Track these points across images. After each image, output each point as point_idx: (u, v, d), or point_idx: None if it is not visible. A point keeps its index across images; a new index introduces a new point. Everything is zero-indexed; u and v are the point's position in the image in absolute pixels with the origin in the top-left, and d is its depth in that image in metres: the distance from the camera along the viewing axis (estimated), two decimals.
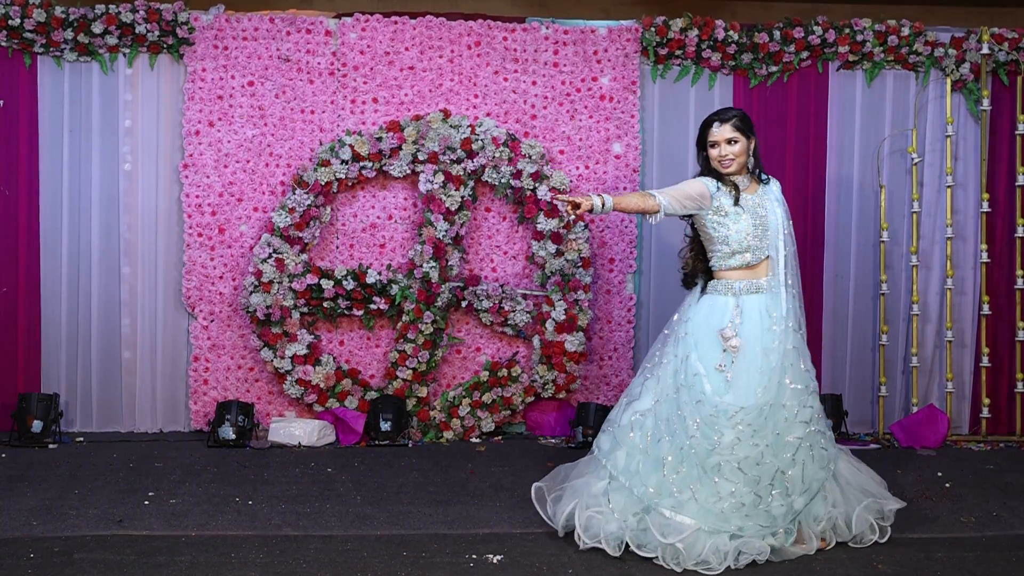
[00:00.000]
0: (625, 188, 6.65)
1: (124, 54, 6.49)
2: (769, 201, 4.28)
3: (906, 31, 6.71)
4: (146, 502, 4.77)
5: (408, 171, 6.49)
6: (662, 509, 4.01)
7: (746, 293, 4.19)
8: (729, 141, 4.24)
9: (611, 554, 3.99)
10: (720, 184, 4.25)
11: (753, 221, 4.23)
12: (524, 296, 6.55)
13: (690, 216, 4.33)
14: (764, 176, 4.35)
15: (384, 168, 6.48)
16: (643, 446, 4.14)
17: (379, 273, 6.47)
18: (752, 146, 4.29)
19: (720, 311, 4.19)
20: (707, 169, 4.31)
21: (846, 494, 4.21)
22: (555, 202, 4.53)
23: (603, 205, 4.10)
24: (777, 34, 6.66)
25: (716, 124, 4.25)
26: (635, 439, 4.17)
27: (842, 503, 4.19)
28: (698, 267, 4.37)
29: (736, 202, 4.22)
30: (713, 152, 4.26)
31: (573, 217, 4.10)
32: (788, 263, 4.21)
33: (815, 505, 4.14)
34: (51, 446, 6.09)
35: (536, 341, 6.52)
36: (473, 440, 6.50)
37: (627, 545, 4.02)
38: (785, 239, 4.23)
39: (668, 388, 4.18)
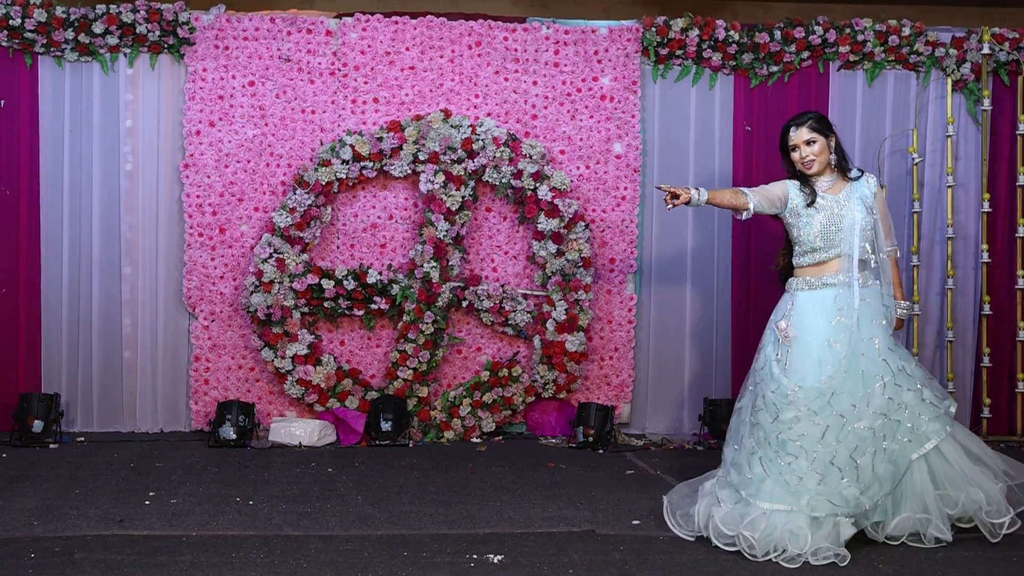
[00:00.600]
0: (626, 188, 6.65)
1: (125, 54, 6.49)
2: (853, 199, 4.37)
3: (907, 31, 6.71)
4: (147, 502, 4.77)
5: (409, 171, 6.49)
6: (746, 496, 4.10)
7: (807, 289, 4.34)
8: (808, 143, 4.38)
9: (723, 548, 4.03)
10: (802, 186, 4.41)
11: (824, 221, 4.35)
12: (525, 296, 6.55)
13: (777, 216, 4.51)
14: (855, 172, 4.46)
15: (385, 168, 6.49)
16: (737, 437, 4.33)
17: (380, 273, 6.47)
18: (833, 144, 4.41)
19: (783, 306, 4.41)
20: (793, 173, 4.46)
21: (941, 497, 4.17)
22: (658, 189, 4.72)
23: (699, 197, 4.32)
24: (778, 34, 6.66)
25: (793, 128, 4.41)
26: (731, 432, 4.40)
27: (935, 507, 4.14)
28: (787, 264, 4.54)
29: (810, 204, 4.37)
30: (795, 155, 4.41)
31: (670, 207, 4.36)
32: (859, 259, 4.30)
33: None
34: (52, 446, 6.09)
35: (537, 341, 6.52)
36: (474, 440, 6.50)
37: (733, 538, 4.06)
38: (862, 236, 4.32)
39: (751, 382, 4.42)
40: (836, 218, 4.35)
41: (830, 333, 4.22)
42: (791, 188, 4.41)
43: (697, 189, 4.33)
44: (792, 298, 4.36)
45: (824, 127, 4.41)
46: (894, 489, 4.14)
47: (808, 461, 4.06)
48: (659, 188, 4.42)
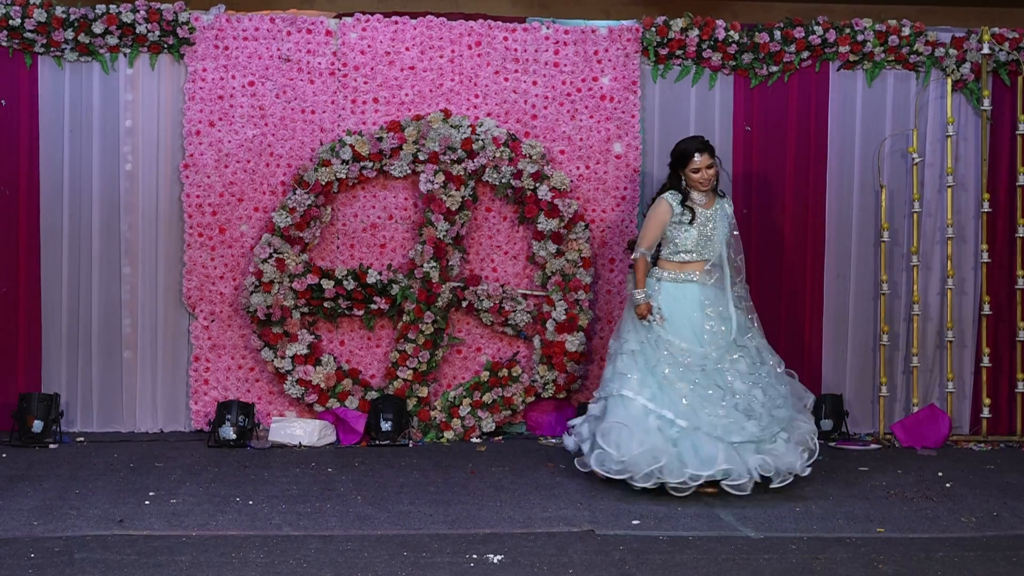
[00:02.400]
0: (626, 188, 6.65)
1: (125, 54, 6.49)
2: (719, 215, 5.34)
3: (907, 31, 6.71)
4: (147, 502, 4.77)
5: (409, 171, 6.49)
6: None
7: (672, 281, 5.31)
8: (708, 166, 5.30)
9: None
10: (683, 200, 5.32)
11: (699, 232, 5.29)
12: (524, 296, 6.55)
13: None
14: (721, 191, 5.46)
15: (385, 168, 6.49)
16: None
17: (379, 273, 6.47)
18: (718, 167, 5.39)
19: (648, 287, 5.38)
20: (674, 185, 5.36)
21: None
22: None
23: (644, 295, 5.28)
24: (778, 34, 6.66)
25: (698, 154, 5.28)
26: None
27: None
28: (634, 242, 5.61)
29: (691, 220, 5.29)
30: (696, 175, 5.29)
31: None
32: (725, 264, 5.32)
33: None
34: (52, 446, 6.09)
35: (536, 341, 6.52)
36: (474, 440, 6.50)
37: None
38: (727, 245, 5.32)
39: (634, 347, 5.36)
40: (708, 230, 5.31)
41: (703, 324, 5.16)
42: (672, 204, 5.31)
43: (640, 292, 5.26)
44: (658, 285, 5.29)
45: (714, 153, 5.37)
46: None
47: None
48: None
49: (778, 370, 5.29)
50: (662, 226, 5.33)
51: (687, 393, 5.02)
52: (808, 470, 5.10)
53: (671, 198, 5.33)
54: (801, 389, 5.41)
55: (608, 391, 5.20)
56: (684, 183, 5.34)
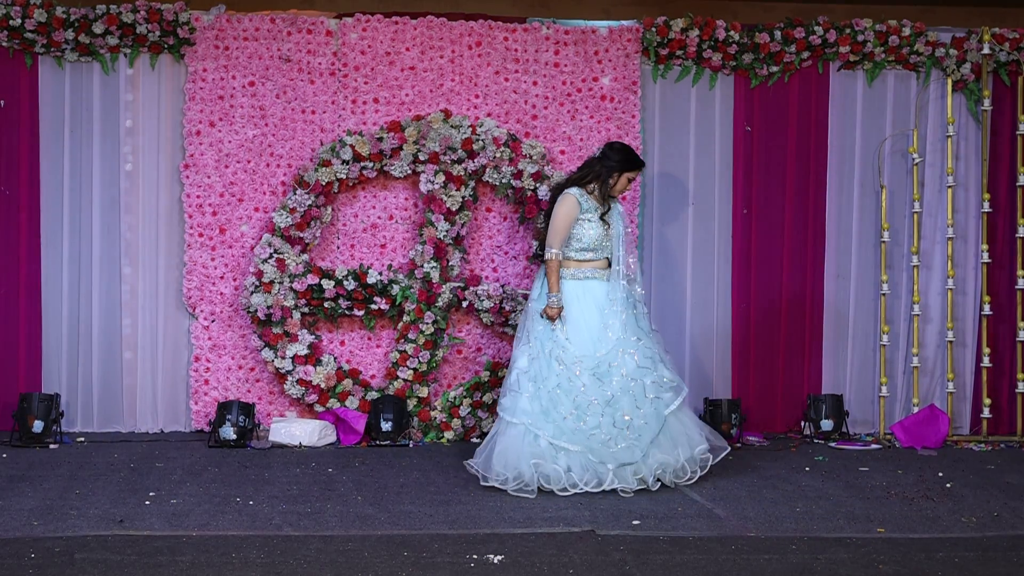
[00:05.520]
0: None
1: (125, 54, 6.49)
2: (616, 216, 5.44)
3: (907, 31, 6.71)
4: (147, 502, 4.77)
5: (409, 171, 6.49)
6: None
7: (572, 279, 5.37)
8: (630, 180, 5.45)
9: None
10: (589, 199, 5.37)
11: (601, 231, 5.36)
12: (525, 296, 6.54)
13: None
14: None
15: (385, 168, 6.49)
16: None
17: (380, 273, 6.47)
18: None
19: (542, 288, 5.46)
20: (583, 181, 5.40)
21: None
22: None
23: (557, 298, 5.31)
24: (778, 34, 6.66)
25: (636, 172, 5.44)
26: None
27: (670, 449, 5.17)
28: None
29: (602, 217, 5.38)
30: (629, 185, 5.47)
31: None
32: (624, 260, 5.38)
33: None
34: (52, 446, 6.09)
35: None
36: (474, 440, 6.49)
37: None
38: (623, 243, 5.38)
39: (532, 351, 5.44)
40: (612, 229, 5.39)
41: (603, 319, 5.24)
42: (580, 201, 5.35)
43: (553, 298, 5.28)
44: (564, 283, 5.33)
45: None
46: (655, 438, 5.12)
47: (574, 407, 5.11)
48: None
49: (664, 379, 5.28)
50: (569, 225, 5.33)
51: (572, 412, 5.08)
52: (703, 459, 5.23)
53: (580, 199, 5.36)
54: (672, 391, 5.37)
55: (502, 408, 5.25)
56: (605, 183, 5.39)
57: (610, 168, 5.38)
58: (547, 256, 5.35)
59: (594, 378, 5.14)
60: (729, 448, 5.44)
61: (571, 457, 5.05)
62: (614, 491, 5.04)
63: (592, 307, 5.28)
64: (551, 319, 5.25)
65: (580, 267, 5.36)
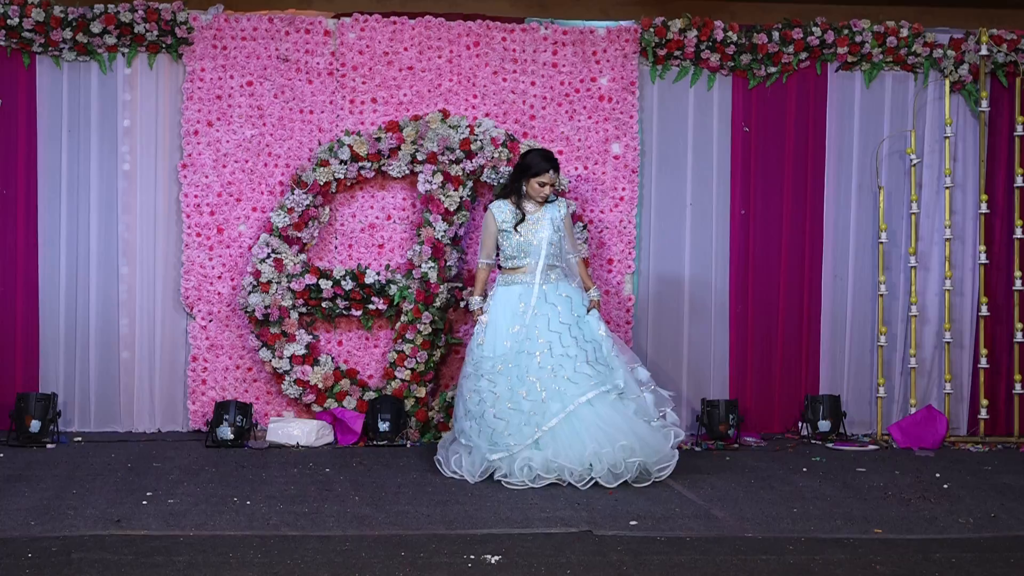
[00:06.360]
0: (624, 188, 6.65)
1: (123, 54, 6.49)
2: (544, 220, 5.57)
3: (905, 32, 6.71)
4: (144, 502, 4.76)
5: (407, 171, 6.49)
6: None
7: (504, 285, 5.59)
8: (552, 184, 5.58)
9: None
10: (510, 208, 5.59)
11: (522, 238, 5.54)
12: None
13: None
14: (552, 197, 5.65)
15: (383, 168, 6.49)
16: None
17: (378, 273, 6.47)
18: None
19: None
20: (510, 192, 5.63)
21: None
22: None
23: (475, 299, 5.68)
24: (776, 35, 6.66)
25: (551, 171, 5.55)
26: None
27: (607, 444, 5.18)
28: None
29: (518, 223, 5.55)
30: (542, 189, 5.56)
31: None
32: (544, 265, 5.53)
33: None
34: (49, 446, 6.09)
35: None
36: None
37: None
38: (548, 248, 5.53)
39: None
40: (530, 235, 5.55)
41: (513, 319, 5.44)
42: (496, 214, 5.61)
43: (477, 299, 5.64)
44: (494, 290, 5.61)
45: (559, 171, 5.69)
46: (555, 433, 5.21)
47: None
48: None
49: (585, 373, 5.32)
50: (493, 236, 5.66)
51: (503, 426, 5.27)
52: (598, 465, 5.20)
53: (495, 209, 5.64)
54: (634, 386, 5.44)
55: (459, 430, 5.50)
56: (524, 190, 5.60)
57: (517, 177, 5.63)
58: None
59: (498, 374, 5.36)
60: (675, 457, 5.33)
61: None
62: (603, 489, 5.07)
63: (508, 310, 5.50)
64: (477, 320, 5.60)
65: (506, 274, 5.62)
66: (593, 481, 5.13)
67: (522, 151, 5.69)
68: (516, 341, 5.41)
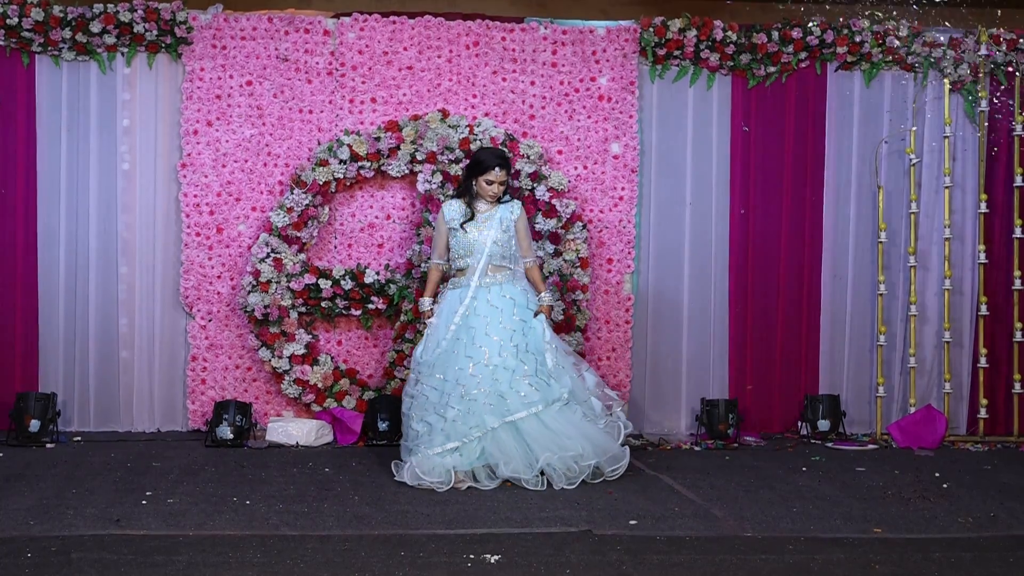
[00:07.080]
0: (624, 188, 6.66)
1: (122, 53, 6.49)
2: (493, 220, 5.47)
3: (904, 32, 6.71)
4: (144, 502, 4.76)
5: (406, 171, 6.49)
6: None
7: (452, 288, 5.51)
8: (501, 182, 5.47)
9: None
10: (461, 207, 5.50)
11: (469, 239, 5.45)
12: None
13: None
14: (506, 198, 5.55)
15: (382, 168, 6.49)
16: None
17: (377, 273, 6.47)
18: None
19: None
20: (464, 192, 5.52)
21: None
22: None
23: (425, 301, 5.59)
24: (775, 35, 6.66)
25: (498, 168, 5.44)
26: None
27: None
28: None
29: (465, 221, 5.47)
30: (490, 188, 5.45)
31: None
32: (486, 265, 5.44)
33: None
34: (48, 445, 6.08)
35: None
36: None
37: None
38: (492, 249, 5.43)
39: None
40: (476, 234, 5.45)
41: (450, 321, 5.36)
42: (446, 212, 5.53)
43: (427, 300, 5.57)
44: (442, 293, 5.55)
45: (511, 171, 5.66)
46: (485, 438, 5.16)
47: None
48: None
49: (563, 393, 5.28)
50: (443, 235, 5.58)
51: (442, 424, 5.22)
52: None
53: (446, 207, 5.57)
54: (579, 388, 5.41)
55: (413, 443, 5.34)
56: (469, 193, 5.51)
57: (468, 176, 5.54)
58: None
59: (432, 377, 5.32)
60: (627, 455, 5.30)
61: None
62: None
63: (450, 312, 5.43)
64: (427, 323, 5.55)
65: (454, 276, 5.55)
66: (547, 484, 5.12)
67: (473, 154, 5.61)
68: (450, 342, 5.34)
